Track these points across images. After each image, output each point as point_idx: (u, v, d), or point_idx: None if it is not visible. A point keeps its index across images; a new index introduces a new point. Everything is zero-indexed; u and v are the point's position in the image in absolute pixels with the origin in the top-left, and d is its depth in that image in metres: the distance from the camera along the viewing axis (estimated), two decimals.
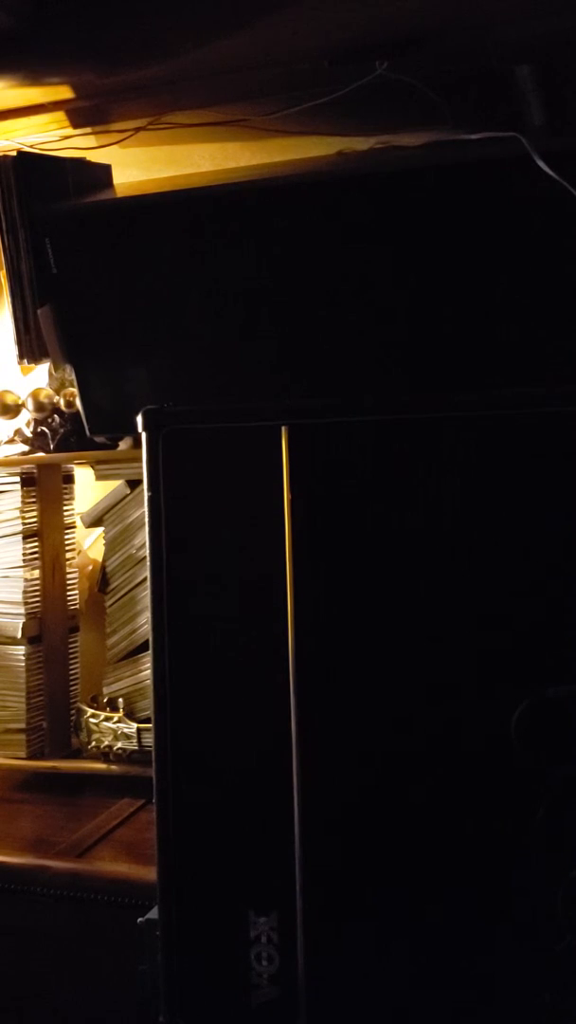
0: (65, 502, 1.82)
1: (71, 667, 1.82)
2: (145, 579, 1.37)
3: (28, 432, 1.80)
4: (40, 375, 1.85)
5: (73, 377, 1.62)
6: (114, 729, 1.65)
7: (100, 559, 1.82)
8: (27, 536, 1.73)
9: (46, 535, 1.76)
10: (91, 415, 1.62)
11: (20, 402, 1.79)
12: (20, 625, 1.71)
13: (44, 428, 1.77)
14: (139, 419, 1.06)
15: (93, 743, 1.67)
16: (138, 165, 1.85)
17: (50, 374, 1.81)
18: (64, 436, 1.75)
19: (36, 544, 1.75)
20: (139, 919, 1.12)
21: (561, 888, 0.96)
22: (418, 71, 1.52)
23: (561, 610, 0.98)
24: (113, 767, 1.66)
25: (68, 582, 1.82)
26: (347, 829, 1.03)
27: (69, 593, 1.83)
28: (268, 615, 1.04)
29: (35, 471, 1.75)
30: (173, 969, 1.07)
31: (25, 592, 1.72)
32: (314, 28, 1.42)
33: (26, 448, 1.79)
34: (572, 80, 1.53)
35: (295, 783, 1.03)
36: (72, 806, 1.63)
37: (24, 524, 1.72)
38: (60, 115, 1.70)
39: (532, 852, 0.98)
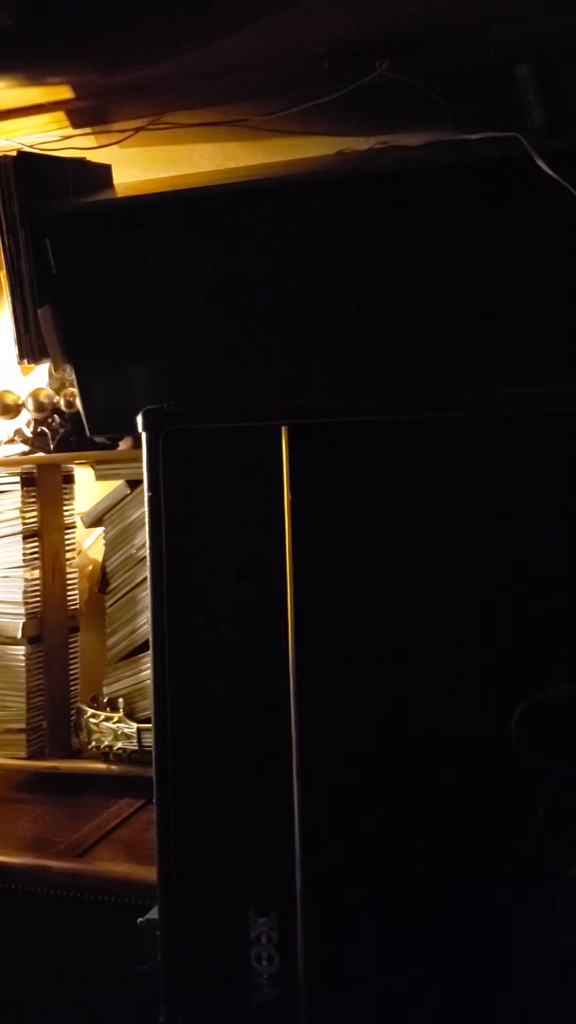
0: (65, 502, 1.82)
1: (71, 667, 1.82)
2: (145, 579, 1.37)
3: (28, 432, 1.80)
4: (40, 375, 1.85)
5: (73, 377, 1.62)
6: (114, 729, 1.65)
7: (100, 559, 1.82)
8: (27, 536, 1.73)
9: (46, 535, 1.76)
10: (91, 415, 1.62)
11: (20, 402, 1.79)
12: (20, 625, 1.71)
13: (44, 428, 1.77)
14: (139, 419, 1.06)
15: (93, 743, 1.67)
16: (138, 165, 1.85)
17: (50, 374, 1.81)
18: (64, 436, 1.75)
19: (36, 544, 1.75)
20: (139, 919, 1.12)
21: (561, 888, 0.96)
22: (418, 71, 1.52)
23: (561, 610, 0.98)
24: (113, 767, 1.66)
25: (68, 582, 1.82)
26: (347, 829, 1.03)
27: (69, 593, 1.83)
28: (268, 615, 1.04)
29: (35, 471, 1.75)
30: (173, 969, 1.07)
31: (25, 592, 1.72)
32: (314, 28, 1.42)
33: (26, 448, 1.79)
34: (572, 80, 1.53)
35: (295, 783, 1.03)
36: (72, 806, 1.63)
37: (24, 524, 1.72)
38: (60, 115, 1.70)
39: (532, 852, 0.98)
